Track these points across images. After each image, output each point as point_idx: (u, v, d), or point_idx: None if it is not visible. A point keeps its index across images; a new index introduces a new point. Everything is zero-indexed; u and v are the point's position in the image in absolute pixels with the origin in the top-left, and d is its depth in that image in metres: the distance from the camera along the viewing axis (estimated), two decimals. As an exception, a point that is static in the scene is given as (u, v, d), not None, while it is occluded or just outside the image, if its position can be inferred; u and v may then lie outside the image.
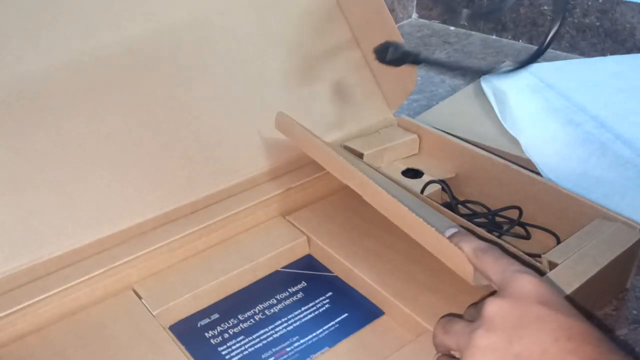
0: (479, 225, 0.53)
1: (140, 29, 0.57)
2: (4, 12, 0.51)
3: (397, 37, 0.67)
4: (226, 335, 0.49)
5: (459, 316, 0.40)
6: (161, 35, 0.58)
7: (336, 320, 0.50)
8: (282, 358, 0.47)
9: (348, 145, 0.65)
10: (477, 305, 0.38)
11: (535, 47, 1.07)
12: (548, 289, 0.35)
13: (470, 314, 0.39)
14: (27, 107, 0.52)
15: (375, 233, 0.57)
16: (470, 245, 0.40)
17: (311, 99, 0.58)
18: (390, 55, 0.54)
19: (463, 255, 0.40)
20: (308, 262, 0.57)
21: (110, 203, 0.53)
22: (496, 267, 0.38)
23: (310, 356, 0.47)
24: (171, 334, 0.49)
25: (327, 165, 0.52)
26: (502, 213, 0.59)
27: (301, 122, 0.54)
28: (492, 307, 0.35)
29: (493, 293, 0.38)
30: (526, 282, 0.35)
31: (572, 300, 0.44)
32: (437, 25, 1.20)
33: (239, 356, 0.48)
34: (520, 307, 0.34)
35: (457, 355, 0.38)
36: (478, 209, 0.61)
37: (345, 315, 0.51)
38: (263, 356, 0.47)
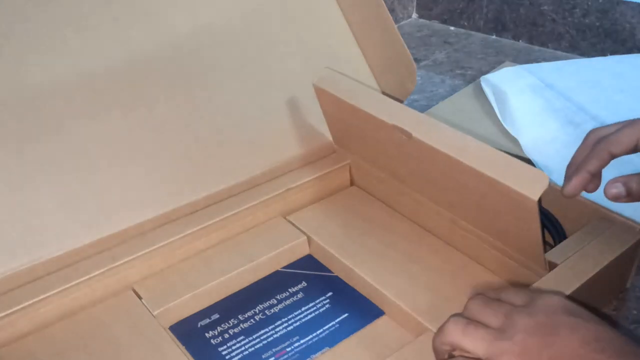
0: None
1: (141, 31, 0.58)
2: (7, 17, 0.52)
3: (397, 37, 0.67)
4: (226, 336, 0.49)
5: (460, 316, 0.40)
6: (162, 37, 0.59)
7: (336, 320, 0.50)
8: (282, 358, 0.47)
9: None
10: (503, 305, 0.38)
11: (534, 47, 1.07)
12: (571, 303, 0.37)
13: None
14: (28, 108, 0.52)
15: (375, 233, 0.57)
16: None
17: (311, 99, 0.58)
18: None
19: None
20: (308, 262, 0.56)
21: (110, 203, 0.53)
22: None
23: (311, 356, 0.47)
24: (171, 334, 0.49)
25: (376, 111, 0.51)
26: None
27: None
28: (522, 319, 0.36)
29: None
30: (551, 298, 0.37)
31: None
32: (437, 25, 1.20)
33: (239, 356, 0.48)
34: (550, 318, 0.36)
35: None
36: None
37: (346, 315, 0.51)
38: (263, 356, 0.47)
